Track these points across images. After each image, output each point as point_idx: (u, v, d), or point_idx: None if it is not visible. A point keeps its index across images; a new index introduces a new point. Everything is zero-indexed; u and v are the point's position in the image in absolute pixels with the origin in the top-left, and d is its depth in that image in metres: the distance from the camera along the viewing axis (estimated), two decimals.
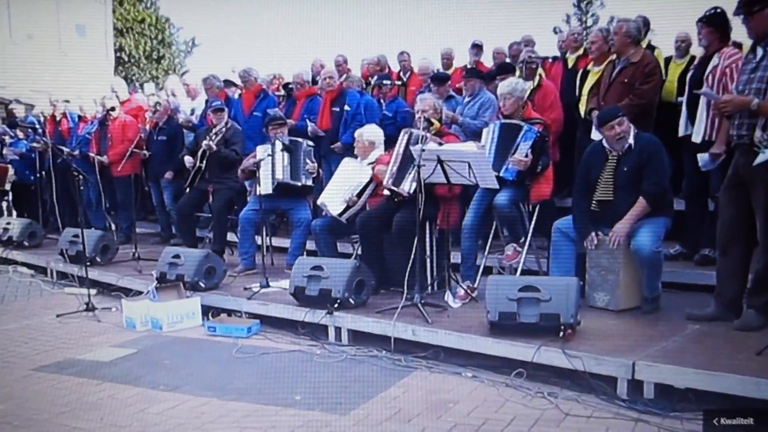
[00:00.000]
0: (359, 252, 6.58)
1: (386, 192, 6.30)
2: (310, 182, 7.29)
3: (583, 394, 4.39)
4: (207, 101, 9.06)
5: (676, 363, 4.25)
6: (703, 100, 5.75)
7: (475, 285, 6.10)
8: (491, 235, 6.41)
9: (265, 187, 7.08)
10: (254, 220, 7.33)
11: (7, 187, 11.00)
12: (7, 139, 11.08)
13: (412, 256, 5.59)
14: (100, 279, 7.76)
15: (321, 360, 5.34)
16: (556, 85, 7.50)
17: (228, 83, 9.60)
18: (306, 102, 8.55)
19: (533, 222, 6.07)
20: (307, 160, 7.26)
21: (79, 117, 10.19)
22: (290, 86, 9.02)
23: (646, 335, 4.92)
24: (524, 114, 6.12)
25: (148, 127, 9.27)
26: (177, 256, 6.90)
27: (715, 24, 5.87)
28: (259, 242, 7.57)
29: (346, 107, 8.11)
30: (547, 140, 6.06)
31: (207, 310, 6.45)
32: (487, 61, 9.22)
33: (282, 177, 7.16)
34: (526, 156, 5.85)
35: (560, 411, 4.19)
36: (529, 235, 6.07)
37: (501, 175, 5.89)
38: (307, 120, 8.25)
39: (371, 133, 6.90)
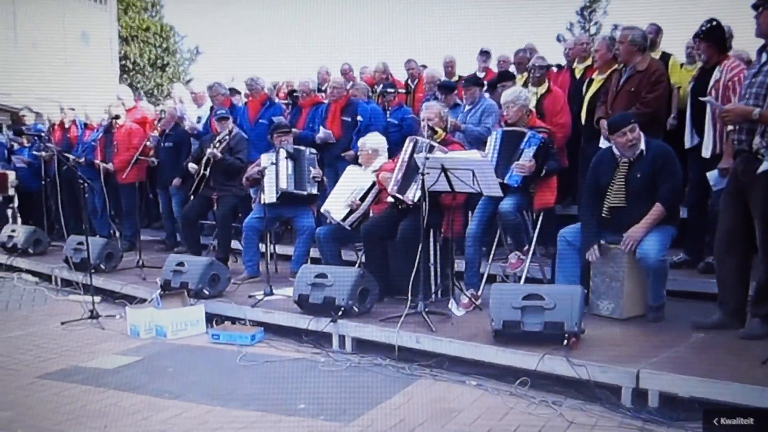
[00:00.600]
0: (363, 260, 6.58)
1: (390, 199, 6.30)
2: (314, 190, 7.29)
3: (587, 402, 4.38)
4: (212, 108, 9.08)
5: (681, 372, 4.24)
6: (709, 114, 5.75)
7: (479, 293, 6.10)
8: (495, 243, 6.42)
9: (269, 195, 7.10)
10: (258, 227, 7.34)
11: (11, 192, 11.00)
12: (15, 146, 11.11)
13: (416, 264, 5.59)
14: (104, 286, 7.77)
15: (325, 368, 5.34)
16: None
17: (233, 91, 9.62)
18: (311, 110, 8.57)
19: (537, 230, 6.07)
20: (311, 168, 7.27)
21: (85, 124, 10.21)
22: (296, 94, 9.03)
23: (651, 344, 4.90)
24: (528, 122, 6.14)
25: (156, 133, 9.29)
26: (181, 264, 6.91)
27: (712, 38, 5.88)
28: (263, 250, 7.57)
29: (359, 117, 8.13)
30: (552, 147, 6.06)
31: (211, 318, 6.46)
32: (494, 68, 9.24)
33: (286, 186, 7.17)
34: (530, 161, 5.86)
35: (564, 419, 4.19)
36: (533, 242, 6.07)
37: (505, 181, 5.91)
38: (321, 127, 8.24)
39: (374, 141, 6.92)
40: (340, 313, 5.72)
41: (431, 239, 6.11)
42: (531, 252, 6.07)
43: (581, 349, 4.73)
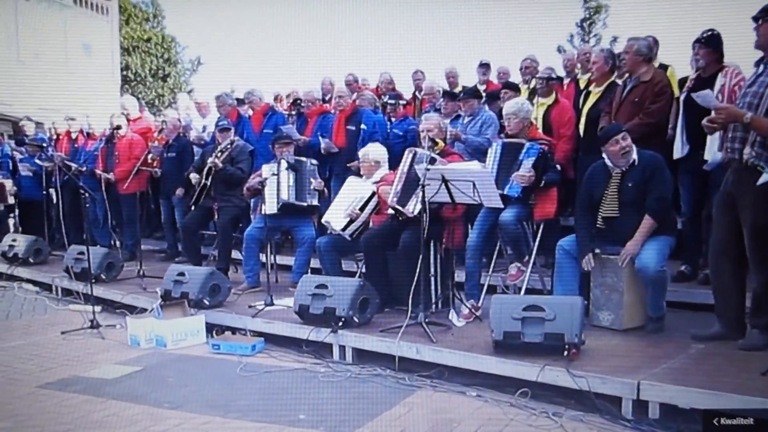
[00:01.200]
0: (363, 270, 6.59)
1: (390, 211, 6.32)
2: (315, 201, 7.30)
3: (587, 413, 4.38)
4: (219, 118, 9.11)
5: (681, 383, 4.25)
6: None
7: (479, 304, 6.11)
8: (495, 254, 6.42)
9: (270, 206, 7.13)
10: (259, 237, 7.35)
11: (11, 201, 11.01)
12: (18, 156, 11.12)
13: (417, 275, 5.60)
14: (104, 296, 7.77)
15: (325, 378, 5.34)
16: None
17: (240, 101, 9.65)
18: (318, 120, 8.59)
19: (537, 241, 6.08)
20: (312, 179, 7.28)
21: (87, 134, 10.23)
22: (300, 103, 9.04)
23: (651, 355, 4.91)
24: (529, 134, 6.16)
25: (156, 143, 9.32)
26: (182, 274, 6.91)
27: (712, 45, 5.91)
28: (264, 260, 7.58)
29: (363, 126, 8.14)
30: (551, 159, 6.07)
31: (211, 328, 6.46)
32: (494, 80, 9.26)
33: (287, 197, 7.19)
34: (530, 171, 5.87)
35: (564, 431, 4.19)
36: (533, 254, 6.08)
37: (505, 192, 5.91)
38: (320, 136, 8.26)
39: (376, 152, 6.94)
40: (340, 323, 5.73)
41: (432, 250, 6.12)
42: (531, 263, 6.07)
43: (581, 360, 4.73)
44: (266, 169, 7.32)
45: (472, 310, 5.99)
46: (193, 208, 8.20)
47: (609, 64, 6.82)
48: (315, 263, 7.27)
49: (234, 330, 6.44)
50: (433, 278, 6.16)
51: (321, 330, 5.82)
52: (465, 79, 9.47)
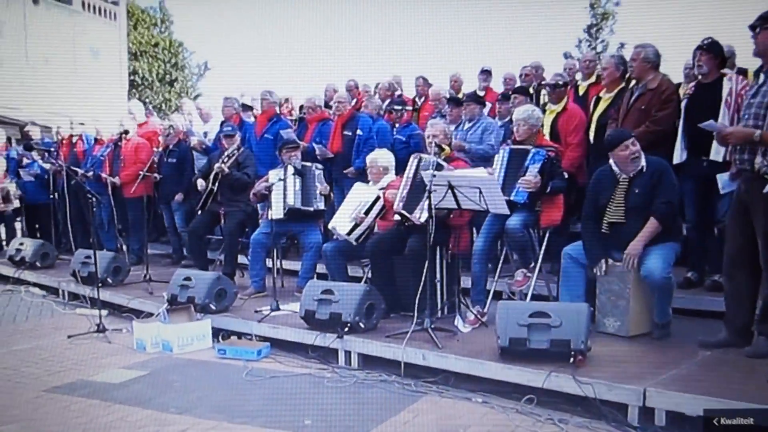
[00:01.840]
0: (370, 276, 6.59)
1: (397, 216, 6.32)
2: (321, 206, 7.32)
3: (593, 420, 4.38)
4: (222, 123, 9.12)
5: (688, 390, 4.24)
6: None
7: (485, 310, 6.10)
8: (501, 260, 6.42)
9: (276, 211, 7.13)
10: (265, 242, 7.35)
11: (17, 204, 11.04)
12: (25, 160, 11.16)
13: (423, 281, 5.60)
14: (111, 300, 7.77)
15: (331, 384, 5.34)
16: None
17: (245, 107, 9.67)
18: (318, 126, 8.59)
19: (543, 247, 6.07)
20: (318, 184, 7.30)
21: (95, 139, 10.26)
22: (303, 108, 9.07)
23: (657, 362, 4.90)
24: (537, 141, 6.15)
25: (160, 148, 9.36)
26: (188, 279, 6.92)
27: (714, 51, 5.91)
28: (270, 265, 7.59)
29: (359, 131, 8.15)
30: (558, 165, 6.06)
31: (217, 333, 6.47)
32: (497, 87, 9.26)
33: (293, 202, 7.20)
34: (535, 177, 5.87)
35: None
36: (539, 260, 6.07)
37: (512, 198, 5.91)
38: (314, 143, 8.28)
39: (384, 158, 6.94)
40: (346, 328, 5.74)
41: (438, 256, 6.11)
42: (537, 269, 6.07)
43: (587, 367, 4.73)
44: (273, 175, 7.33)
45: (478, 316, 5.99)
46: (199, 213, 8.21)
47: (620, 70, 6.80)
48: (321, 268, 7.27)
49: (240, 335, 6.45)
50: (439, 284, 6.15)
51: (327, 335, 5.82)
52: (470, 85, 9.48)
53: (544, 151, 5.97)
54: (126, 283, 8.35)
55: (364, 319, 5.79)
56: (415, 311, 5.59)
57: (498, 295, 6.35)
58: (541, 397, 4.65)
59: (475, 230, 6.72)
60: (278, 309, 6.55)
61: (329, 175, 8.06)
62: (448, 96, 8.58)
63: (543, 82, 7.88)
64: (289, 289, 7.51)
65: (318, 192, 7.29)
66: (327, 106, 9.14)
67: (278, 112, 9.39)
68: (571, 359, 4.72)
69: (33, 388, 5.41)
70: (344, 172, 8.06)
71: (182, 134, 9.46)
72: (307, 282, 6.42)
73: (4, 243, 11.35)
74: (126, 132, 9.47)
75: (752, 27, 4.82)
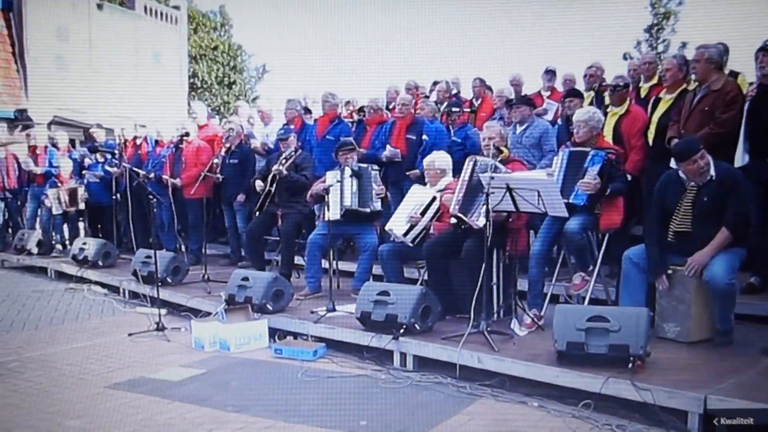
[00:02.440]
0: (425, 278, 6.58)
1: (453, 219, 6.30)
2: (378, 207, 7.33)
3: (652, 427, 4.32)
4: (284, 125, 9.19)
5: (750, 398, 4.14)
6: None
7: (542, 313, 6.05)
8: (559, 263, 6.36)
9: (333, 212, 7.17)
10: (322, 244, 7.40)
11: (81, 206, 11.30)
12: (87, 162, 11.42)
13: (479, 283, 5.57)
14: (170, 299, 7.90)
15: (386, 385, 5.35)
16: None
17: (307, 110, 9.74)
18: (376, 128, 8.59)
19: (602, 250, 5.99)
20: (374, 185, 7.31)
21: (156, 141, 10.45)
22: (363, 111, 9.08)
23: (718, 369, 4.80)
24: (597, 143, 6.07)
25: (222, 151, 9.48)
26: (246, 279, 7.00)
27: None
28: (326, 266, 7.62)
29: (425, 137, 8.11)
30: (618, 168, 5.97)
31: (274, 333, 6.53)
32: (560, 87, 9.17)
33: (350, 204, 7.23)
34: (595, 179, 5.80)
35: None
36: (598, 263, 5.99)
37: (570, 201, 5.83)
38: (387, 145, 8.27)
39: (442, 160, 6.91)
40: (402, 330, 5.73)
41: (495, 258, 6.08)
42: (596, 273, 5.99)
43: (646, 373, 4.65)
44: (330, 176, 7.38)
45: (535, 319, 5.93)
46: (257, 214, 8.29)
47: (683, 71, 6.67)
48: (377, 270, 7.29)
49: (296, 335, 6.49)
50: (495, 287, 6.12)
51: (382, 337, 5.83)
52: (530, 87, 9.40)
53: (603, 153, 5.89)
54: (185, 283, 8.48)
55: (419, 321, 5.78)
56: (471, 314, 5.57)
57: (555, 299, 6.29)
58: (599, 402, 4.59)
59: (532, 232, 6.67)
60: (334, 310, 6.59)
61: (387, 177, 8.07)
62: (510, 97, 8.48)
63: (604, 84, 7.76)
64: (344, 290, 7.54)
65: (374, 193, 7.30)
66: (387, 107, 9.14)
67: (339, 114, 9.43)
68: (630, 364, 4.65)
69: (95, 384, 5.53)
70: (407, 173, 8.03)
71: (243, 136, 9.57)
72: (364, 284, 6.43)
73: (67, 242, 11.62)
74: (187, 134, 9.63)
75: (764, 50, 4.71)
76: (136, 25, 21.56)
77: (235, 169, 9.28)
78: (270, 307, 6.78)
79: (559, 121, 7.95)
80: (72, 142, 13.50)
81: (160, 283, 7.58)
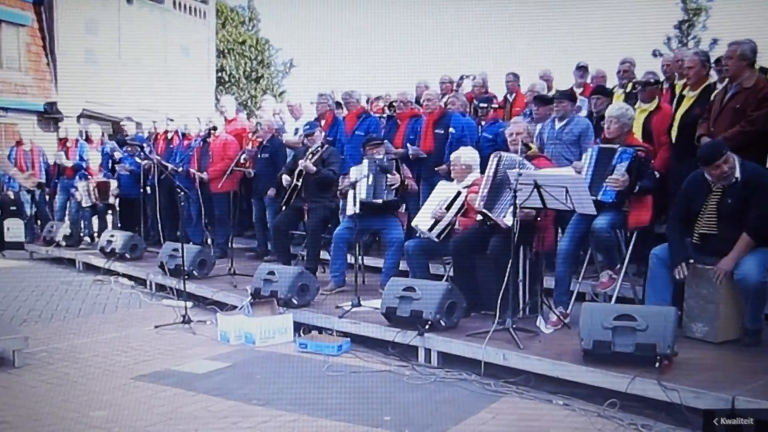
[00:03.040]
0: (451, 274, 6.57)
1: (479, 216, 6.28)
2: (391, 197, 7.28)
3: (678, 428, 4.28)
4: (315, 119, 9.20)
5: None
6: None
7: (568, 311, 6.01)
8: (586, 261, 6.31)
9: (351, 207, 7.20)
10: (347, 238, 7.40)
11: (111, 200, 11.40)
12: (117, 155, 11.51)
13: (506, 280, 5.54)
14: (196, 292, 7.96)
15: (410, 381, 5.34)
16: None
17: (338, 105, 9.75)
18: (410, 123, 8.52)
19: (630, 248, 5.94)
20: (388, 176, 7.26)
21: (183, 135, 10.51)
22: (394, 104, 9.05)
23: (747, 369, 4.75)
24: (626, 140, 6.01)
25: (250, 146, 9.51)
26: (272, 273, 7.02)
27: None
28: (351, 261, 7.63)
29: (451, 130, 8.05)
30: (647, 165, 5.90)
31: (299, 327, 6.55)
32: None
33: (364, 196, 7.19)
34: (623, 176, 5.74)
35: None
36: (626, 261, 5.94)
37: (599, 198, 5.78)
38: (408, 144, 8.25)
39: (468, 156, 6.89)
40: (427, 326, 5.72)
41: (521, 256, 6.04)
42: (623, 271, 5.94)
43: (673, 373, 4.61)
44: (354, 172, 7.37)
45: (561, 317, 5.90)
46: (284, 208, 8.31)
47: (706, 68, 6.59)
48: (402, 266, 7.28)
49: (321, 329, 6.50)
50: (521, 284, 6.08)
51: (407, 332, 5.82)
52: (560, 83, 9.32)
53: (632, 150, 5.83)
54: (211, 276, 8.52)
55: (445, 317, 5.77)
56: (497, 311, 5.54)
57: (581, 297, 6.26)
58: (624, 401, 4.55)
59: (558, 229, 6.62)
60: (359, 305, 6.60)
61: (418, 174, 8.04)
62: (540, 93, 8.40)
63: (634, 80, 7.68)
64: (369, 285, 7.53)
65: (387, 183, 7.27)
66: (417, 102, 9.12)
67: (366, 108, 9.41)
68: (657, 364, 4.60)
69: (122, 375, 5.58)
70: (436, 169, 8.01)
71: (273, 130, 9.59)
72: (389, 279, 6.42)
73: (95, 234, 11.74)
74: (214, 128, 9.67)
75: None
76: (164, 19, 21.71)
77: (266, 164, 9.32)
78: (295, 302, 6.79)
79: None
80: (102, 134, 13.62)
81: (186, 276, 7.63)
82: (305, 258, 8.22)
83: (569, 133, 7.07)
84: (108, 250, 10.08)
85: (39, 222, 12.60)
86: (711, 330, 5.29)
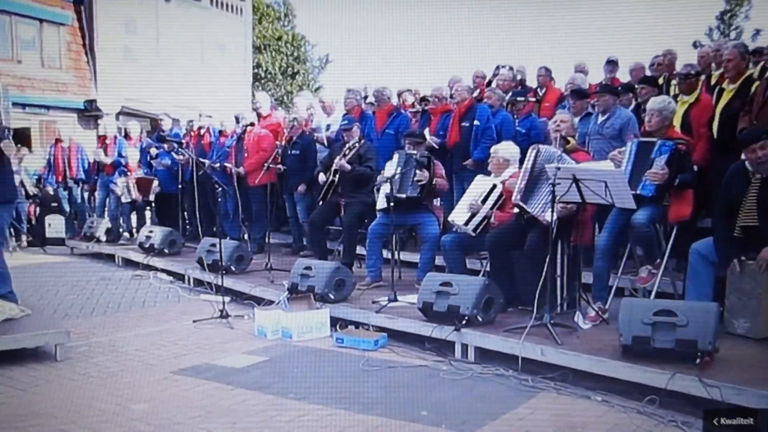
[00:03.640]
0: (488, 269, 6.53)
1: (516, 210, 6.24)
2: (415, 193, 7.22)
3: None
4: (344, 115, 9.21)
5: None
6: None
7: (607, 306, 5.95)
8: (625, 256, 6.24)
9: (380, 202, 7.20)
10: (382, 233, 7.40)
11: (151, 197, 11.52)
12: (153, 151, 11.63)
13: (543, 275, 5.50)
14: (234, 287, 8.01)
15: (447, 376, 5.34)
16: None
17: (366, 99, 9.75)
18: (441, 118, 8.51)
19: (670, 243, 5.86)
20: (416, 171, 7.24)
21: (220, 131, 10.58)
22: (427, 99, 9.02)
23: None
24: (666, 133, 5.92)
25: (283, 142, 9.55)
26: (308, 268, 7.04)
27: None
28: (387, 256, 7.62)
29: (476, 122, 8.04)
30: (688, 158, 5.82)
31: (335, 322, 6.56)
32: (624, 77, 8.98)
33: (390, 191, 7.17)
34: (663, 169, 5.66)
35: None
36: (666, 256, 5.87)
37: (638, 192, 5.70)
38: (426, 133, 8.22)
39: (506, 150, 6.83)
40: (463, 321, 5.70)
41: (559, 251, 5.99)
42: (663, 266, 5.86)
43: (715, 369, 4.54)
44: (389, 167, 7.36)
45: (599, 312, 5.84)
46: (320, 203, 8.33)
47: (746, 60, 6.47)
48: (439, 261, 7.26)
49: (357, 324, 6.51)
50: (559, 279, 6.03)
51: (444, 328, 5.80)
52: (594, 76, 9.22)
53: (671, 143, 5.74)
54: (248, 271, 8.57)
55: (482, 312, 5.75)
56: (535, 306, 5.51)
57: (620, 292, 6.19)
58: (664, 398, 4.50)
59: (597, 222, 6.54)
60: (396, 300, 6.58)
61: (451, 168, 8.01)
62: (581, 86, 8.30)
63: (674, 72, 7.56)
64: (406, 280, 7.53)
65: (414, 179, 7.22)
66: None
67: (397, 105, 9.40)
68: (698, 360, 4.55)
69: (161, 369, 5.64)
70: (464, 164, 7.98)
71: (306, 126, 9.62)
72: (426, 274, 6.41)
73: (134, 230, 11.87)
74: (251, 124, 9.72)
75: None
76: (202, 16, 21.86)
77: (296, 160, 9.35)
78: (332, 297, 6.81)
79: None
80: (141, 131, 13.78)
81: (224, 271, 7.69)
82: (341, 253, 8.24)
83: (610, 127, 6.96)
84: (147, 245, 10.20)
85: (78, 219, 12.78)
86: (753, 326, 5.22)
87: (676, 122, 6.50)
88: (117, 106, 18.24)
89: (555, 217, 5.53)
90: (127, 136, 12.55)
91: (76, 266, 10.87)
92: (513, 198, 6.15)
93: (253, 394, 5.01)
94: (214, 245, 8.31)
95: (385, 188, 7.19)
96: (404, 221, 7.50)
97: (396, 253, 7.75)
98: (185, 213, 11.13)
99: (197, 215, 10.51)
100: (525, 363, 5.28)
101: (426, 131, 8.23)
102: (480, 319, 5.73)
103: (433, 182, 7.29)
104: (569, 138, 6.26)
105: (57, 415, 4.64)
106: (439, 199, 7.68)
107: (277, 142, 9.65)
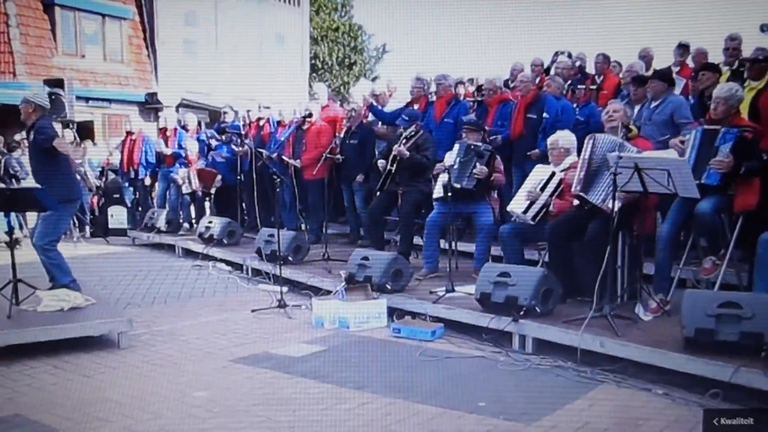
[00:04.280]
0: (546, 259, 6.46)
1: (575, 201, 6.15)
2: (470, 185, 7.17)
3: None
4: (408, 103, 9.17)
5: None
6: None
7: (668, 298, 5.83)
8: (688, 246, 6.11)
9: (437, 191, 7.17)
10: (440, 223, 7.38)
11: (212, 191, 11.65)
12: (213, 143, 11.77)
13: (603, 266, 5.42)
14: (291, 277, 8.06)
15: (504, 367, 5.31)
16: None
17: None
18: (499, 108, 8.43)
19: (735, 233, 5.71)
20: (477, 164, 7.19)
21: (278, 122, 10.65)
22: (482, 91, 8.95)
23: None
24: (733, 121, 5.75)
25: (341, 132, 9.56)
26: (366, 258, 7.05)
27: None
28: (445, 246, 7.59)
29: (545, 114, 7.93)
30: (755, 146, 5.64)
31: (392, 312, 6.57)
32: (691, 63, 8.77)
33: (447, 180, 7.12)
34: (728, 157, 5.51)
35: None
36: (731, 247, 5.72)
37: (703, 181, 5.56)
38: (494, 132, 8.14)
39: (566, 139, 6.73)
40: (522, 312, 5.66)
41: (620, 242, 5.89)
42: (728, 257, 5.72)
43: None
44: (448, 157, 7.33)
45: (661, 304, 5.74)
46: (378, 193, 8.34)
47: None
48: (495, 251, 7.20)
49: (414, 315, 6.50)
50: (619, 270, 5.94)
51: (502, 318, 5.77)
52: (660, 62, 9.00)
53: (736, 130, 5.58)
54: (306, 262, 8.62)
55: (540, 303, 5.69)
56: (594, 297, 5.43)
57: (682, 284, 6.06)
58: (728, 392, 4.41)
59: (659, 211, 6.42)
60: (453, 290, 6.56)
61: (510, 159, 7.94)
62: (642, 72, 8.13)
63: (742, 58, 7.34)
64: (463, 270, 7.49)
65: (472, 172, 7.16)
66: (506, 85, 8.98)
67: (457, 94, 9.33)
68: (763, 354, 4.45)
69: (221, 357, 5.73)
70: (528, 154, 7.89)
71: (365, 116, 9.61)
72: (483, 264, 6.37)
73: (194, 221, 12.04)
74: (310, 115, 9.75)
75: None
76: (260, 8, 22.04)
77: (354, 149, 9.36)
78: (389, 287, 6.82)
79: (690, 98, 7.56)
80: (199, 123, 13.95)
81: (282, 262, 7.74)
82: (398, 243, 8.24)
83: (660, 113, 6.83)
84: (206, 236, 10.33)
85: (140, 209, 13.01)
86: None
87: (744, 109, 6.32)
88: (177, 99, 18.53)
89: (615, 207, 5.44)
90: (184, 128, 12.71)
91: (138, 256, 11.09)
92: (573, 189, 6.07)
93: (311, 383, 5.05)
94: (272, 235, 8.38)
95: (443, 178, 7.17)
96: (460, 211, 7.45)
97: (453, 243, 7.71)
98: (243, 203, 11.24)
99: (255, 206, 10.61)
100: (584, 355, 5.22)
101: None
102: (538, 310, 5.68)
103: (492, 178, 7.26)
104: (632, 126, 6.13)
105: (121, 401, 4.74)
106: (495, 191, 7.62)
107: (336, 134, 9.68)
